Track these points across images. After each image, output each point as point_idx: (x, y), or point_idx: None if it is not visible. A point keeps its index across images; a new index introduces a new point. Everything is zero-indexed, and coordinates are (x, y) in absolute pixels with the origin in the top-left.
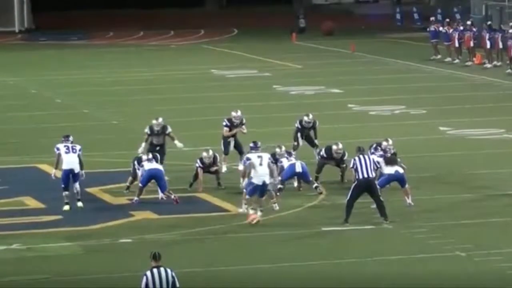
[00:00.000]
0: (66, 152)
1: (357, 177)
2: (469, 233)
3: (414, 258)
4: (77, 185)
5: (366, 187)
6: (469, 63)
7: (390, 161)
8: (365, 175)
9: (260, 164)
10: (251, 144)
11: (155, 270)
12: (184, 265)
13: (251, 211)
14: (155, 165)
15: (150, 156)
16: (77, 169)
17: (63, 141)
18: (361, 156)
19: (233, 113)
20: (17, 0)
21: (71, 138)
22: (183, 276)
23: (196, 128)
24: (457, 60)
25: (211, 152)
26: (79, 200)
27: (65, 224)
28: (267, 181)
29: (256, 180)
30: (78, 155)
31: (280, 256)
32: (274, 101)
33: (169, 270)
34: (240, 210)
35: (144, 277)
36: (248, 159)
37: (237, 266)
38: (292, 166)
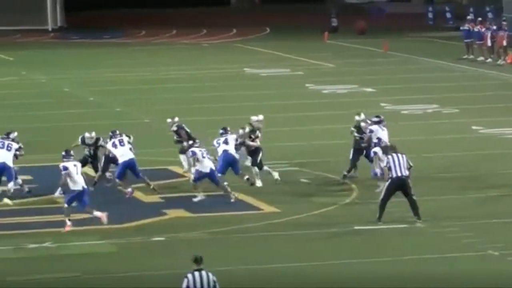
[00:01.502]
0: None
1: (390, 175)
2: (502, 232)
3: (446, 257)
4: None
5: (399, 185)
6: (502, 62)
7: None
8: (399, 174)
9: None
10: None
11: (196, 273)
12: (217, 264)
13: None
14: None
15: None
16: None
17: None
18: (394, 155)
19: (254, 118)
20: (50, 1)
21: None
22: (215, 274)
23: (232, 127)
24: (489, 59)
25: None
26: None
27: (99, 222)
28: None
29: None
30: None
31: (312, 254)
32: (306, 100)
33: (210, 274)
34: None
35: (185, 279)
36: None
37: (270, 265)
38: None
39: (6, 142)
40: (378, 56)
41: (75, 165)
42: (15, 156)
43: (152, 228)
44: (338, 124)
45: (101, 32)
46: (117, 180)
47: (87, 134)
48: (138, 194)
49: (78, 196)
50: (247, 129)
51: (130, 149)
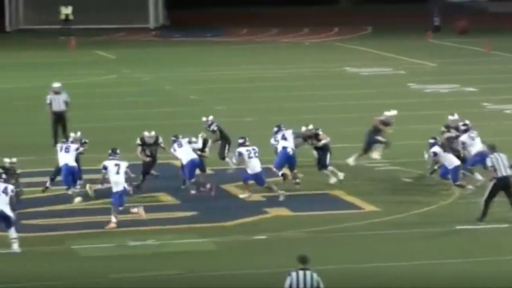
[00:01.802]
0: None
1: (495, 175)
2: None
3: None
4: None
5: (504, 185)
6: None
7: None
8: (504, 174)
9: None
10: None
11: (300, 272)
12: (317, 263)
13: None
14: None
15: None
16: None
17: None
18: (496, 155)
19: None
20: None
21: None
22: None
23: (333, 125)
24: None
25: None
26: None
27: (200, 220)
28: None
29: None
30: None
31: (413, 254)
32: (408, 99)
33: (314, 274)
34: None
35: (289, 277)
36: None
37: (370, 264)
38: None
39: (64, 145)
40: (480, 55)
41: (116, 165)
42: (80, 154)
43: (253, 227)
44: (440, 123)
45: (203, 30)
46: (191, 181)
47: (146, 133)
48: (240, 193)
49: (120, 195)
50: (311, 127)
51: (193, 150)
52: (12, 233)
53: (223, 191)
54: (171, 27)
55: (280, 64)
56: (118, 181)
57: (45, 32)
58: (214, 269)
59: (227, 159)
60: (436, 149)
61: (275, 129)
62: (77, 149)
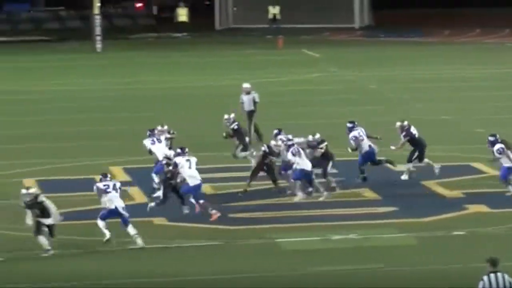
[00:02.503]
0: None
1: None
2: None
3: None
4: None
5: None
6: None
7: None
8: None
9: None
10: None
11: (492, 276)
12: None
13: None
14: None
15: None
16: None
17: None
18: None
19: None
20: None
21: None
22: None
23: None
24: None
25: None
26: None
27: (400, 215)
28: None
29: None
30: None
31: None
32: None
33: (506, 276)
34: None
35: (481, 282)
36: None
37: None
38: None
39: (155, 138)
40: None
41: (187, 160)
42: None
43: (452, 223)
44: None
45: (405, 31)
46: (295, 181)
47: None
48: (440, 189)
49: (196, 189)
50: (317, 136)
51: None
52: (131, 230)
53: (424, 187)
54: (376, 27)
55: (481, 64)
56: (193, 175)
57: (253, 31)
58: (413, 263)
59: (240, 156)
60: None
61: (349, 124)
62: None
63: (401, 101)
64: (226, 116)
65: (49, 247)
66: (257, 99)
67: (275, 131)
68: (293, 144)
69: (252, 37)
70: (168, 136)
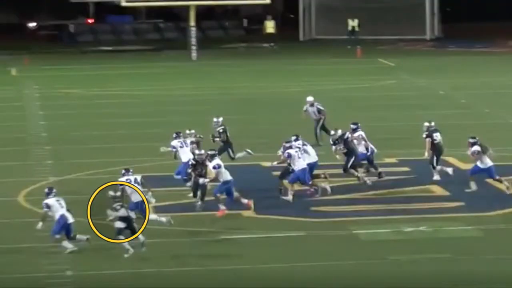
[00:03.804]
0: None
1: None
2: None
3: None
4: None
5: None
6: None
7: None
8: None
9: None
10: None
11: None
12: None
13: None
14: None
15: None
16: None
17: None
18: None
19: None
20: (429, 12)
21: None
22: None
23: None
24: None
25: None
26: None
27: (466, 209)
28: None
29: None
30: None
31: None
32: None
33: None
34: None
35: None
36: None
37: None
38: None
39: (182, 141)
40: None
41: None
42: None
43: None
44: None
45: (474, 42)
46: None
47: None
48: (502, 186)
49: (228, 186)
50: (339, 132)
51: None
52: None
53: (488, 184)
54: (445, 39)
55: None
56: (227, 172)
57: (334, 42)
58: (479, 253)
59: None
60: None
61: (353, 126)
62: (191, 143)
63: (469, 105)
64: (215, 119)
65: (128, 247)
66: (321, 107)
67: (293, 137)
68: (290, 147)
69: (333, 47)
70: (194, 139)
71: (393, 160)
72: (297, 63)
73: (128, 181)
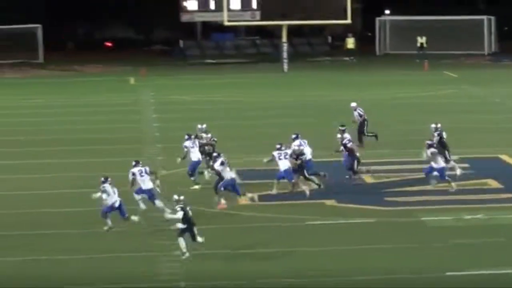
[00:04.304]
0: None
1: None
2: None
3: None
4: None
5: None
6: None
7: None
8: None
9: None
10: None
11: None
12: None
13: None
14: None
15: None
16: None
17: None
18: None
19: None
20: (487, 31)
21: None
22: None
23: None
24: None
25: None
26: None
27: None
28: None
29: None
30: None
31: None
32: None
33: None
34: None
35: None
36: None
37: None
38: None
39: (193, 142)
40: None
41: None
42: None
43: None
44: None
45: None
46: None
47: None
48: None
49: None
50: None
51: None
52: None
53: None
54: (501, 54)
55: None
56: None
57: (405, 56)
58: None
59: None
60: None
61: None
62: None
63: None
64: (199, 126)
65: (185, 250)
66: (361, 112)
67: (293, 136)
68: (280, 148)
69: (404, 61)
70: (204, 142)
71: (455, 157)
72: (373, 75)
73: (140, 171)
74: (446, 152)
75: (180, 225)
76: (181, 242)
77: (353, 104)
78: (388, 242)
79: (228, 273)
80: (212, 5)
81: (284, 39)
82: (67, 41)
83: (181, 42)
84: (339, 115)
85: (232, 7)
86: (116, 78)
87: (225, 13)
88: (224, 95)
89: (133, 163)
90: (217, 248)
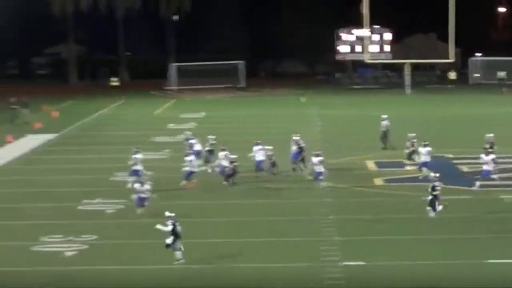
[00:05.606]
0: None
1: None
2: None
3: None
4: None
5: None
6: None
7: None
8: None
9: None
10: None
11: None
12: None
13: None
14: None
15: None
16: None
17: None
18: None
19: None
20: None
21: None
22: None
23: None
24: None
25: None
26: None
27: None
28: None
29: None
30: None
31: None
32: None
33: None
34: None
35: None
36: None
37: None
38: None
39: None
40: None
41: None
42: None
43: None
44: None
45: None
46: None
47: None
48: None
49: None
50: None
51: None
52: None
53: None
54: None
55: None
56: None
57: (489, 86)
58: None
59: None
60: None
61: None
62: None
63: None
64: (187, 133)
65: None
66: (387, 123)
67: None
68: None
69: (487, 88)
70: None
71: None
72: (466, 98)
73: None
74: None
75: (168, 240)
76: (177, 254)
77: (384, 116)
78: (469, 211)
79: None
80: (358, 49)
81: (407, 71)
82: (260, 72)
83: (336, 74)
84: (449, 122)
85: (371, 50)
86: (292, 97)
87: (367, 54)
88: (366, 111)
89: (134, 150)
90: None
